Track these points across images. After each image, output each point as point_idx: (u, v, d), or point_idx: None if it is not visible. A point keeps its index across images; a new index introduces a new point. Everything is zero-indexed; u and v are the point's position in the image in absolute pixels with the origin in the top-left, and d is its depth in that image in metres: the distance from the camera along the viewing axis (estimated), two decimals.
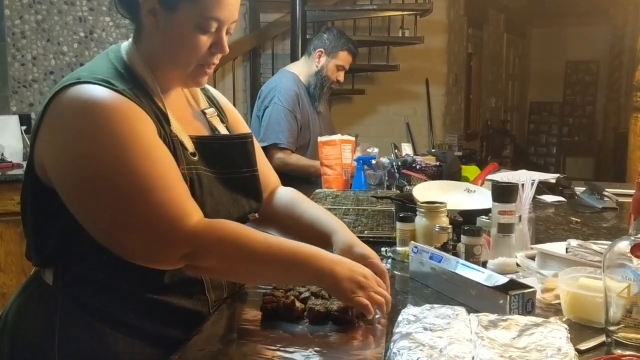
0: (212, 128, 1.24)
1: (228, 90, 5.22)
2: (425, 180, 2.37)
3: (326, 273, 1.04)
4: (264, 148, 2.83)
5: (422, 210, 1.56)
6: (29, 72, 3.93)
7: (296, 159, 2.84)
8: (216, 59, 1.14)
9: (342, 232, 1.26)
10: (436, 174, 2.44)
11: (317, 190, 2.41)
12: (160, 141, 1.04)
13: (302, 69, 2.97)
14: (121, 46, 1.14)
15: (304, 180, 2.77)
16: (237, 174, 1.20)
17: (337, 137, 2.54)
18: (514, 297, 1.09)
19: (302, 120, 2.86)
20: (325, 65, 2.89)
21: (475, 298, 1.18)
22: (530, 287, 1.14)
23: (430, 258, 1.35)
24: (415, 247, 1.41)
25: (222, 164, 1.17)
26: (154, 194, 0.97)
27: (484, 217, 1.55)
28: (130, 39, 1.15)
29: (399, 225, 1.60)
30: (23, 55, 3.92)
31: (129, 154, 0.97)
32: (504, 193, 1.46)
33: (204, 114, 1.25)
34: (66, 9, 3.90)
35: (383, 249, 1.59)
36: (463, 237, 1.44)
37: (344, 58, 2.90)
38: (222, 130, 1.26)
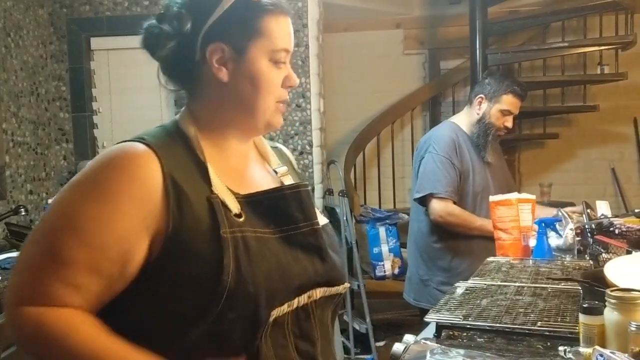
0: None
1: (406, 141, 5.08)
2: (628, 250, 1.95)
3: None
4: (420, 200, 2.59)
5: (612, 301, 1.21)
6: None
7: (460, 210, 2.54)
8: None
9: None
10: None
11: (488, 259, 2.08)
12: (133, 215, 0.93)
13: (464, 118, 2.72)
14: (177, 116, 1.11)
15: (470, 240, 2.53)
16: (295, 230, 1.05)
17: (513, 195, 2.20)
18: None
19: (461, 170, 2.57)
20: (488, 111, 2.61)
21: None
22: None
23: None
24: (601, 354, 1.08)
25: (277, 222, 1.04)
26: (43, 266, 0.92)
27: None
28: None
29: (582, 318, 1.25)
30: None
31: (74, 218, 0.93)
32: None
33: (276, 172, 1.18)
34: None
35: (561, 347, 1.26)
36: None
37: (508, 102, 2.59)
38: None
